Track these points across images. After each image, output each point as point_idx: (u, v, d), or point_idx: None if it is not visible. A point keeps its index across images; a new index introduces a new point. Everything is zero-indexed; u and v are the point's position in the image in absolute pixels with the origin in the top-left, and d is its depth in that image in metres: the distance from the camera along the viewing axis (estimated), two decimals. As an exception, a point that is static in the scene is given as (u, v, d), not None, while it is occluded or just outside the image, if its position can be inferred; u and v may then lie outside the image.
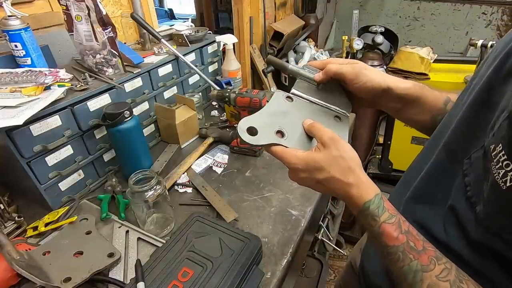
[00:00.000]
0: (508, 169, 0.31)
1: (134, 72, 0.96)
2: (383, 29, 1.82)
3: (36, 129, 0.72)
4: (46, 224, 0.75)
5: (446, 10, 2.14)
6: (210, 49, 1.30)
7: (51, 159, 0.78)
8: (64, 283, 0.59)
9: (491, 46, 1.52)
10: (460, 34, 2.17)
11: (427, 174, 0.47)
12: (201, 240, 0.64)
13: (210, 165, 1.00)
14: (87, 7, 0.81)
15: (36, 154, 0.74)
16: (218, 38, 1.33)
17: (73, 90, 0.82)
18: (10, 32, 0.78)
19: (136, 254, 0.69)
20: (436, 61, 1.78)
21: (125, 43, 1.15)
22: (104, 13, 0.83)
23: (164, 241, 0.69)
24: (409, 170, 0.56)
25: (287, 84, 1.95)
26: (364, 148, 2.03)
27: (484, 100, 0.39)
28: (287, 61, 1.92)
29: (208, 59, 1.30)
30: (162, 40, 1.08)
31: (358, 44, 1.82)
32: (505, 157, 0.31)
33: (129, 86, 0.96)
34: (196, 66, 1.17)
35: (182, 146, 1.10)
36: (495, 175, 0.33)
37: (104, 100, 0.86)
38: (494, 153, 0.33)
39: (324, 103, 0.57)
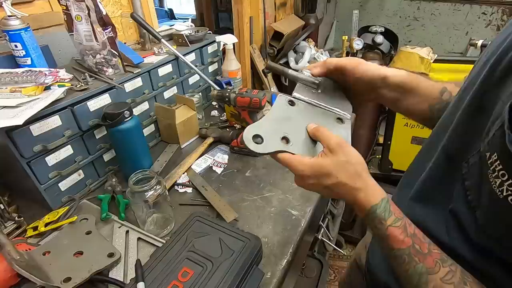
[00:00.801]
0: (504, 179, 0.31)
1: (134, 72, 0.96)
2: (383, 29, 1.82)
3: (36, 129, 0.72)
4: (46, 224, 0.75)
5: (446, 10, 2.14)
6: (210, 49, 1.30)
7: (51, 159, 0.78)
8: (64, 283, 0.59)
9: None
10: (460, 34, 2.16)
11: (428, 176, 0.48)
12: (201, 240, 0.64)
13: (210, 165, 1.00)
14: (87, 7, 0.81)
15: (36, 154, 0.74)
16: (218, 38, 1.33)
17: (73, 90, 0.81)
18: (10, 32, 0.78)
19: (136, 254, 0.69)
20: (436, 61, 1.78)
21: (125, 43, 1.15)
22: (104, 13, 0.83)
23: (164, 241, 0.69)
24: (409, 172, 0.56)
25: (287, 84, 1.95)
26: (364, 148, 2.03)
27: (478, 105, 0.39)
28: (287, 62, 1.92)
29: (208, 59, 1.30)
30: (162, 40, 1.08)
31: (358, 44, 1.82)
32: (501, 166, 0.32)
33: (129, 86, 0.96)
34: (196, 66, 1.17)
35: (182, 146, 1.10)
36: (492, 183, 0.33)
37: (104, 100, 0.85)
38: (490, 161, 0.33)
39: (325, 105, 0.57)
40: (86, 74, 0.86)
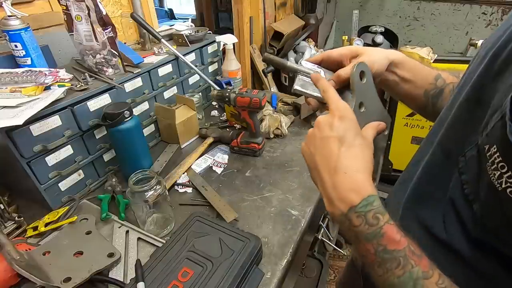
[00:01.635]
0: (504, 171, 0.31)
1: (134, 72, 0.96)
2: (383, 29, 1.83)
3: (36, 129, 0.72)
4: (46, 224, 0.75)
5: (446, 10, 2.13)
6: (210, 49, 1.30)
7: (51, 159, 0.78)
8: (64, 283, 0.59)
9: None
10: (460, 34, 2.16)
11: (424, 172, 0.47)
12: (201, 240, 0.64)
13: (210, 165, 1.00)
14: (87, 7, 0.81)
15: (36, 154, 0.74)
16: (218, 38, 1.33)
17: (73, 90, 0.82)
18: (10, 32, 0.78)
19: (136, 254, 0.69)
20: (436, 61, 1.78)
21: (125, 43, 1.15)
22: (104, 13, 0.83)
23: (164, 241, 0.69)
24: (406, 170, 0.56)
25: (287, 84, 1.95)
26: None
27: (476, 98, 0.39)
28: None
29: (208, 59, 1.30)
30: (162, 40, 1.08)
31: (358, 44, 1.82)
32: (500, 158, 0.31)
33: (129, 86, 0.96)
34: (196, 66, 1.17)
35: (182, 146, 1.10)
36: (490, 176, 0.32)
37: (104, 100, 0.85)
38: (489, 153, 0.33)
39: None
40: (86, 74, 0.86)
